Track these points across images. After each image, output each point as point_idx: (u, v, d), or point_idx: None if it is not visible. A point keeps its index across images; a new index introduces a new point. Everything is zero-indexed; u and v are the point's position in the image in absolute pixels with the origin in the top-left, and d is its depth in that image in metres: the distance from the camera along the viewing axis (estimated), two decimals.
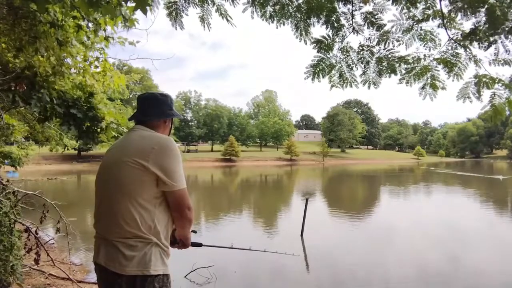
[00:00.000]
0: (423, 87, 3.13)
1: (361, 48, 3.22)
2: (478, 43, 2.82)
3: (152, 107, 1.80)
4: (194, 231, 1.94)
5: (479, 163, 64.56)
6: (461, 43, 2.92)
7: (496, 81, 2.74)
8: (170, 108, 1.85)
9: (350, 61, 3.28)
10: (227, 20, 3.13)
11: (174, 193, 1.61)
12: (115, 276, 1.52)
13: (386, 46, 3.14)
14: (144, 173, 1.55)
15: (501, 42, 2.75)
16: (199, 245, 2.05)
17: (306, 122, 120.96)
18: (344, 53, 3.27)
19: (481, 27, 2.70)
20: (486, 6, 2.57)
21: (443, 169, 43.00)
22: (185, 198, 1.65)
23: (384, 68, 3.18)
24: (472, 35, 2.78)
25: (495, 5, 2.52)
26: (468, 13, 2.70)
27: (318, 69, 3.25)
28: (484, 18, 2.67)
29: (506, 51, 2.77)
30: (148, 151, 1.57)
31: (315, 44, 3.23)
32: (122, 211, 1.55)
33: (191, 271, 5.39)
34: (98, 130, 4.04)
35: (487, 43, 2.77)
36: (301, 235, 8.07)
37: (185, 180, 1.68)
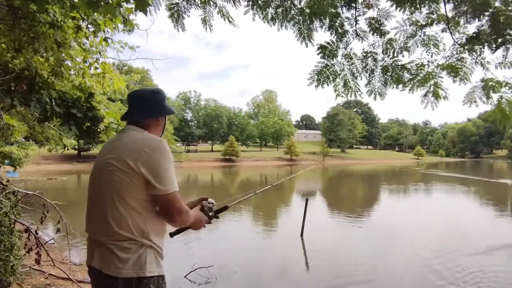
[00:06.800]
0: (425, 95, 3.10)
1: (365, 54, 3.20)
2: (481, 47, 2.79)
3: (140, 106, 1.72)
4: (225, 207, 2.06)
5: (479, 163, 64.41)
6: (466, 47, 2.89)
7: (503, 85, 2.71)
8: (161, 105, 1.77)
9: (355, 69, 3.25)
10: (229, 22, 3.13)
11: (163, 197, 1.55)
12: (111, 279, 1.51)
13: (391, 54, 3.12)
14: (134, 176, 1.52)
15: (510, 43, 2.69)
16: (225, 208, 2.09)
17: (306, 122, 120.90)
18: (348, 60, 3.25)
19: (484, 31, 2.67)
20: (490, 11, 2.54)
21: (443, 170, 42.72)
22: (175, 202, 1.57)
23: (389, 77, 3.15)
24: (475, 39, 2.75)
25: (500, 9, 2.49)
26: (471, 18, 2.67)
27: (322, 77, 3.22)
28: (487, 23, 2.64)
29: None
30: (138, 154, 1.53)
31: (319, 50, 3.21)
32: (113, 215, 1.53)
33: (191, 271, 5.40)
34: (98, 130, 4.05)
35: (492, 47, 2.72)
36: (301, 235, 8.07)
37: (177, 183, 1.60)
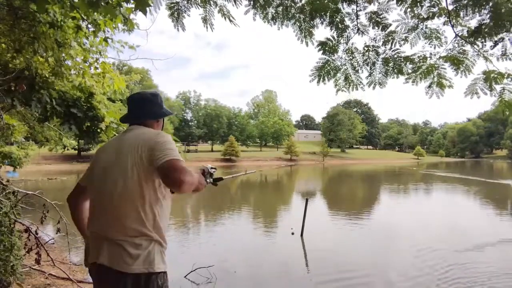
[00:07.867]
0: (429, 86, 3.11)
1: (366, 48, 3.20)
2: (483, 42, 2.80)
3: (141, 108, 1.83)
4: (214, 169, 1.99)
5: (479, 164, 64.31)
6: (468, 40, 2.90)
7: (505, 76, 2.73)
8: (161, 106, 1.89)
9: (356, 63, 3.25)
10: (230, 21, 3.14)
11: (163, 164, 1.51)
12: (120, 275, 1.53)
13: (392, 46, 3.12)
14: (142, 167, 1.57)
15: (509, 39, 2.72)
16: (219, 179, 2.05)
17: (306, 122, 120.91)
18: (349, 54, 3.25)
19: (485, 25, 2.68)
20: (491, 3, 2.55)
21: (443, 170, 42.55)
22: (178, 163, 1.51)
23: (390, 68, 3.15)
24: (476, 33, 2.76)
25: (500, 2, 2.50)
26: (471, 11, 2.68)
27: (323, 72, 3.23)
28: (488, 16, 2.65)
29: None
30: (137, 145, 1.61)
31: (320, 47, 3.21)
32: (125, 210, 1.56)
33: (191, 271, 5.40)
34: (99, 130, 4.05)
35: (493, 42, 2.74)
36: (301, 235, 8.07)
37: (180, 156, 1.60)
